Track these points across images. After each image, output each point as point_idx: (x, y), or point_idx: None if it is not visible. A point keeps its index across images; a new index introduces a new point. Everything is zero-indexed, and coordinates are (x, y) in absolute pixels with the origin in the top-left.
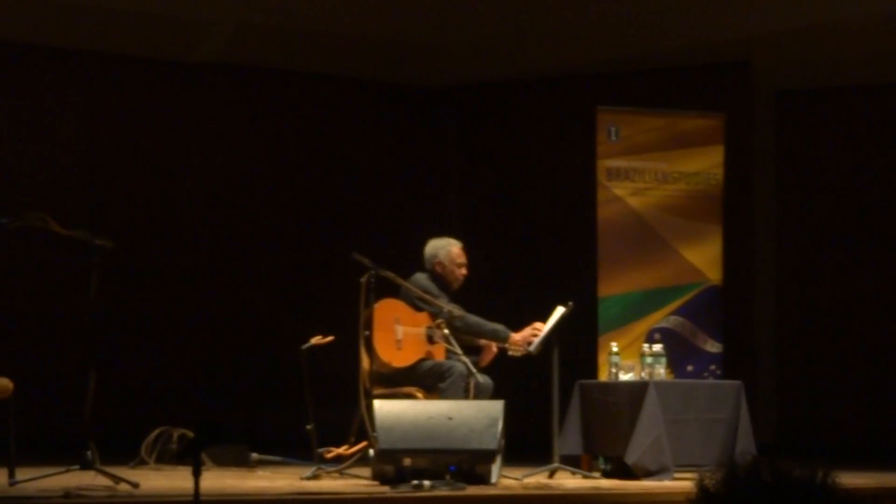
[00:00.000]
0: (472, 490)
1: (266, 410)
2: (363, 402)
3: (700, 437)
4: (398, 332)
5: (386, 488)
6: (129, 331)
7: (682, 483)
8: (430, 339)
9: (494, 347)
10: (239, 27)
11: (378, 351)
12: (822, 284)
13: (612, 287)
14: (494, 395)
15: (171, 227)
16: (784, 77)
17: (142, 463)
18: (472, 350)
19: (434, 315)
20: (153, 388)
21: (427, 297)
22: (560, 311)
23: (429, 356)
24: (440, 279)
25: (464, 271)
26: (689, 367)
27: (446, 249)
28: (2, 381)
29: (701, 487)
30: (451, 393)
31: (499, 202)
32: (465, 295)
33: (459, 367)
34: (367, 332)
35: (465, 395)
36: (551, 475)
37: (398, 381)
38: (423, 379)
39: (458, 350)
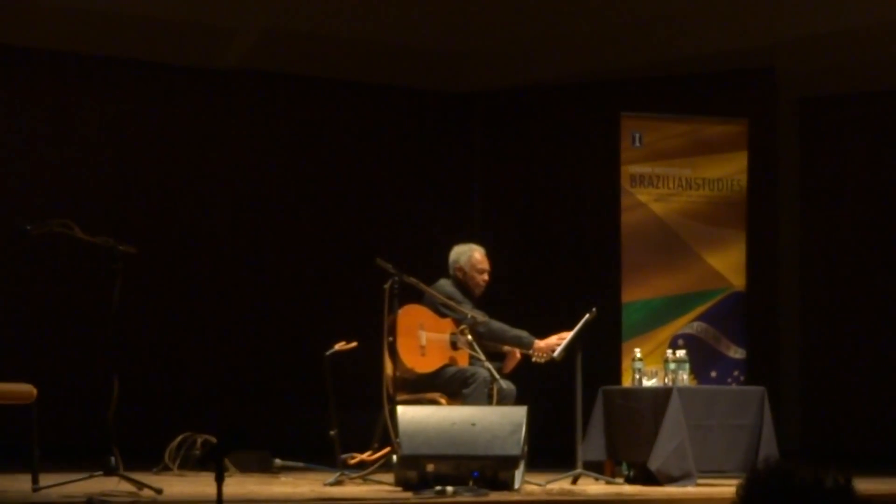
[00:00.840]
0: (496, 496)
1: (289, 416)
2: (386, 408)
3: (723, 443)
4: (422, 338)
5: (409, 494)
6: (152, 336)
7: (706, 489)
8: (454, 345)
9: (518, 353)
10: (263, 34)
11: (402, 357)
12: (846, 290)
13: (636, 293)
14: (518, 401)
15: (195, 233)
16: (807, 83)
17: (165, 469)
18: (496, 356)
19: (458, 321)
20: (177, 393)
21: (450, 303)
22: (584, 317)
23: (452, 362)
24: (462, 285)
25: (485, 277)
26: (713, 373)
27: (467, 255)
28: (25, 387)
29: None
30: (475, 399)
31: (523, 208)
32: (488, 300)
33: (483, 373)
34: (390, 338)
35: (489, 402)
36: (574, 481)
37: (422, 387)
38: (447, 385)
39: (482, 356)
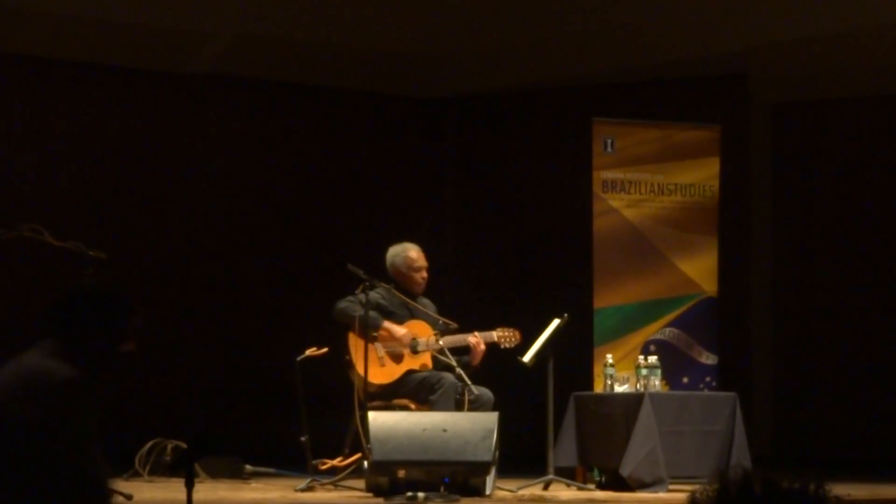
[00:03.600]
0: (467, 502)
1: (260, 422)
2: (357, 414)
3: (695, 448)
4: (379, 350)
5: (380, 500)
6: None
7: (677, 495)
8: (414, 350)
9: (482, 345)
10: (235, 38)
11: (360, 372)
12: (818, 296)
13: (608, 299)
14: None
15: (165, 238)
16: (780, 89)
17: (135, 475)
18: (462, 350)
19: (426, 320)
20: (147, 399)
21: (426, 311)
22: (555, 322)
23: (417, 368)
24: (401, 286)
25: (423, 275)
26: (685, 379)
27: (402, 256)
28: None
29: (693, 502)
30: (442, 404)
31: (495, 213)
32: (460, 306)
33: (449, 377)
34: (347, 357)
35: (457, 407)
36: (546, 487)
37: (389, 395)
38: (415, 392)
39: (454, 362)
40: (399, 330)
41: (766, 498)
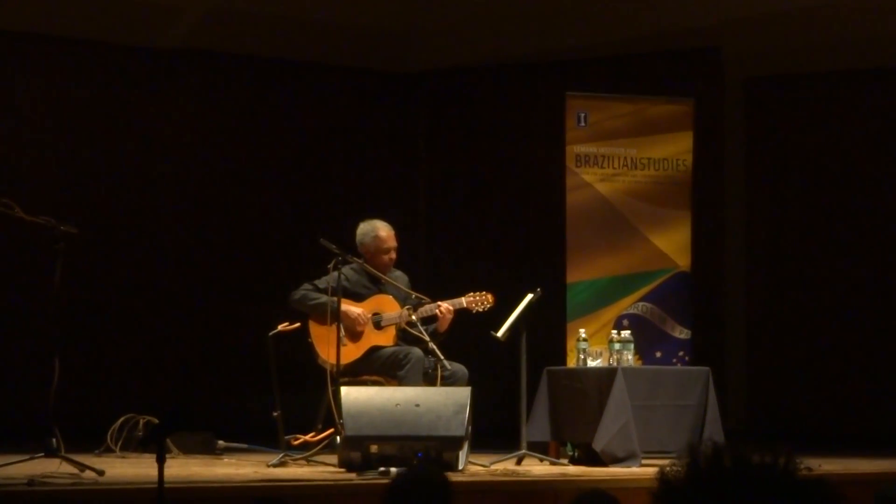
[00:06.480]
0: None
1: (233, 397)
2: (330, 389)
3: (668, 423)
4: (340, 329)
5: (352, 475)
6: (94, 317)
7: (650, 469)
8: (378, 326)
9: (448, 314)
10: (206, 12)
11: (318, 350)
12: (792, 270)
13: (581, 273)
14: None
15: (138, 213)
16: (753, 63)
17: (107, 450)
18: (428, 319)
19: (394, 295)
20: (119, 375)
21: (403, 287)
22: (528, 297)
23: (381, 344)
24: (370, 263)
25: (392, 255)
26: (658, 354)
27: (371, 235)
28: None
29: (662, 480)
30: (410, 379)
31: (468, 188)
32: (432, 281)
33: (416, 352)
34: (309, 340)
35: (426, 381)
36: (519, 462)
37: (356, 372)
38: (383, 368)
39: (426, 336)
40: (354, 310)
41: (736, 472)
